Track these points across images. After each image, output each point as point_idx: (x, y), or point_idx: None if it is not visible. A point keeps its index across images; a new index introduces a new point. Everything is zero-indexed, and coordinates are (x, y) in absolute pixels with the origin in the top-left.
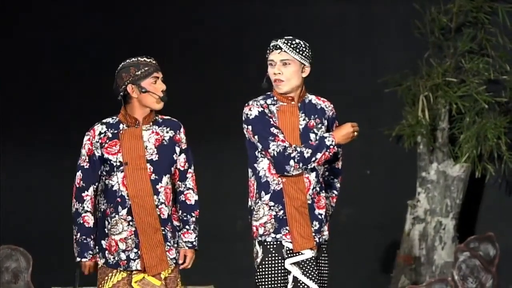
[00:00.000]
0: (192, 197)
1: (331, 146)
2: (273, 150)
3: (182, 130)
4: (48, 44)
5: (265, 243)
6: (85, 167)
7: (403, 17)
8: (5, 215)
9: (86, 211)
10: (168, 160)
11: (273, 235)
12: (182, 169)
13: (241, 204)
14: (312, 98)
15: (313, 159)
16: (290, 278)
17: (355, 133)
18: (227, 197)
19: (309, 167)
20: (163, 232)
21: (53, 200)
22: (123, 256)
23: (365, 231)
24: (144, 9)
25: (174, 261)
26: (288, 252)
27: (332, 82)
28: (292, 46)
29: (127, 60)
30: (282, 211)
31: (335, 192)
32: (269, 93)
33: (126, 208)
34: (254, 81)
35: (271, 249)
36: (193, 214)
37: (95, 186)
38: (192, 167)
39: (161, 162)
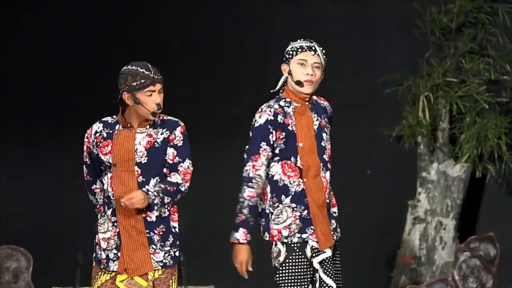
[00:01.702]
0: (176, 178)
1: (231, 236)
2: (245, 171)
3: (179, 128)
4: (48, 44)
5: (290, 243)
6: (88, 162)
7: (404, 17)
8: (6, 215)
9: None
10: (157, 162)
11: (298, 235)
12: (171, 162)
13: None
14: (316, 98)
15: (238, 209)
16: (317, 276)
17: (237, 267)
18: (227, 197)
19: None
20: (148, 235)
21: (54, 200)
22: (103, 255)
23: (365, 231)
24: (144, 9)
25: (161, 264)
26: (313, 250)
27: (332, 82)
28: (322, 51)
29: (129, 66)
30: (306, 211)
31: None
32: (279, 95)
33: (111, 209)
34: (254, 81)
35: (296, 248)
36: (166, 185)
37: (101, 179)
38: (186, 164)
39: (150, 165)
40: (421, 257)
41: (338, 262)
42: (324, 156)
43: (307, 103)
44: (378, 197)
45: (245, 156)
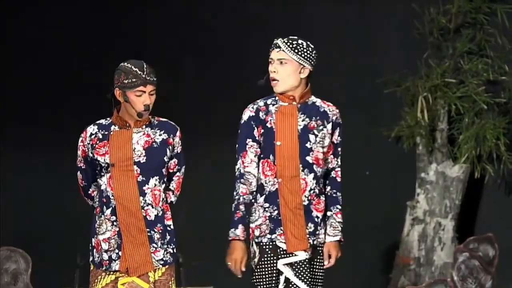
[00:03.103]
0: (169, 199)
1: (230, 232)
2: (236, 169)
3: (178, 134)
4: (48, 44)
5: (261, 244)
6: (83, 167)
7: (402, 17)
8: (5, 216)
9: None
10: (156, 162)
11: (268, 236)
12: (170, 171)
13: None
14: (317, 101)
15: (232, 209)
16: (282, 278)
17: (229, 265)
18: (227, 197)
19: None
20: (149, 234)
21: (53, 201)
22: (105, 256)
23: (364, 232)
24: (144, 9)
25: (162, 262)
26: (281, 252)
27: (331, 82)
28: (291, 46)
29: (125, 63)
30: (276, 212)
31: (339, 207)
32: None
33: (110, 208)
34: (253, 81)
35: (267, 250)
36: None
37: (96, 183)
38: (182, 171)
39: (149, 164)
40: (420, 257)
41: (318, 266)
42: (308, 158)
43: (294, 102)
44: (377, 197)
45: (236, 155)
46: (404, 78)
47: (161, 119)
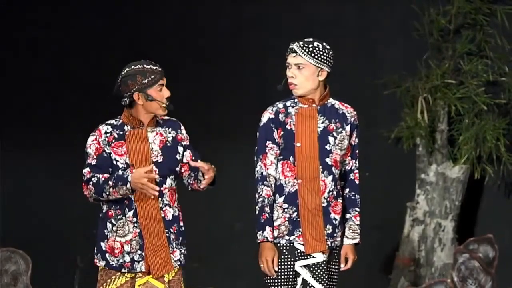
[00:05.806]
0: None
1: (258, 234)
2: (257, 171)
3: (182, 127)
4: (48, 44)
5: (279, 245)
6: (93, 164)
7: (402, 18)
8: (5, 217)
9: (99, 177)
10: (172, 161)
11: (287, 237)
12: (192, 162)
13: (239, 205)
14: (336, 103)
15: (256, 211)
16: (299, 280)
17: (262, 266)
18: (226, 199)
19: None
20: (167, 235)
21: (53, 202)
22: (127, 258)
23: (364, 233)
24: (144, 10)
25: (178, 263)
26: (299, 254)
27: (331, 83)
28: (307, 50)
29: (132, 66)
30: (295, 213)
31: (357, 209)
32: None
33: (132, 210)
34: (253, 81)
35: (284, 251)
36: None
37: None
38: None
39: (165, 163)
40: (420, 258)
41: (334, 269)
42: (327, 160)
43: (314, 105)
44: (377, 198)
45: (255, 157)
46: (404, 79)
47: (163, 117)
